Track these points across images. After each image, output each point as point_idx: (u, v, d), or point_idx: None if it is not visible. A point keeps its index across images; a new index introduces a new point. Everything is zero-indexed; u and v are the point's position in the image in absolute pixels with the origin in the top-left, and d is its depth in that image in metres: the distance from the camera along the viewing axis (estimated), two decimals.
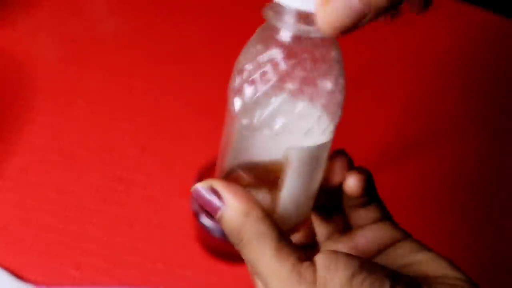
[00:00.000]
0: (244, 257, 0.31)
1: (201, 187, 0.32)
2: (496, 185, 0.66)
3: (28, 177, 0.63)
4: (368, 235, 0.35)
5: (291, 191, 0.32)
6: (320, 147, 0.31)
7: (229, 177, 0.33)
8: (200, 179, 0.56)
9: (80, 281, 0.57)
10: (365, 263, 0.29)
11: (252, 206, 0.30)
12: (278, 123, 0.30)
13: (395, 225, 0.36)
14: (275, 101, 0.29)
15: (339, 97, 0.30)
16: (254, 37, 0.30)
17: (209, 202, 0.31)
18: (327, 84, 0.29)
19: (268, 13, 0.29)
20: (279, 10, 0.28)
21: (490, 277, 0.60)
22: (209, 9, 0.78)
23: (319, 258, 0.29)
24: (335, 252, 0.29)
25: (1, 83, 0.69)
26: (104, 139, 0.66)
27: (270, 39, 0.29)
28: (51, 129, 0.66)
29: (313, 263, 0.29)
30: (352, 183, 0.33)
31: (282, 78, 0.29)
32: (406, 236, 0.35)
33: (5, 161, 0.63)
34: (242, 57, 0.30)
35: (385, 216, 0.35)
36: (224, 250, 0.58)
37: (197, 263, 0.59)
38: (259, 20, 0.30)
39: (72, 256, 0.58)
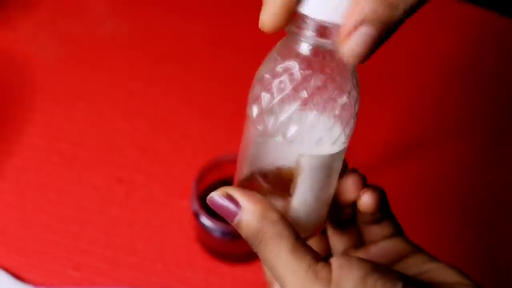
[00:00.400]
0: (262, 258, 0.32)
1: (217, 195, 0.33)
2: (498, 185, 0.66)
3: (27, 177, 0.63)
4: (381, 249, 0.36)
5: (302, 198, 0.33)
6: (331, 156, 0.32)
7: (247, 181, 0.34)
8: (200, 179, 0.56)
9: (80, 282, 0.57)
10: (377, 265, 0.31)
11: (268, 209, 0.32)
12: (291, 131, 0.31)
13: (407, 240, 0.37)
14: (289, 110, 0.31)
15: (351, 110, 0.32)
16: (275, 48, 0.32)
17: (225, 209, 0.32)
18: (340, 96, 0.31)
19: (290, 27, 0.30)
20: (299, 24, 0.30)
21: (491, 277, 0.60)
22: (208, 10, 0.78)
23: (334, 260, 0.31)
24: (349, 255, 0.31)
25: (1, 83, 0.69)
26: (103, 140, 0.66)
27: (290, 50, 0.31)
28: (50, 129, 0.66)
29: (328, 264, 0.31)
30: (366, 201, 0.34)
31: (297, 88, 0.30)
32: (418, 249, 0.36)
33: (5, 161, 0.63)
34: (262, 67, 0.32)
35: (398, 232, 0.37)
36: (224, 250, 0.58)
37: (197, 264, 0.59)
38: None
39: (71, 257, 0.58)
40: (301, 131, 0.31)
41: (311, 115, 0.31)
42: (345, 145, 0.33)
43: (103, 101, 0.69)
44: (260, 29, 0.82)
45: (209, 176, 0.57)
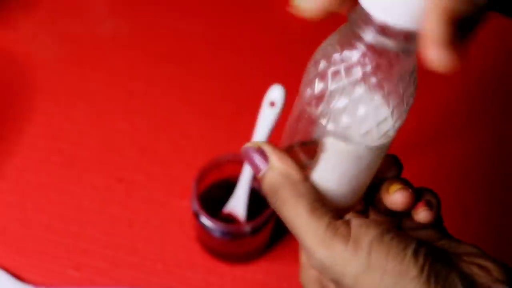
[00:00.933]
0: (280, 215, 0.33)
1: (251, 147, 0.34)
2: (498, 185, 0.66)
3: (27, 177, 0.63)
4: (417, 235, 0.36)
5: (319, 177, 0.34)
6: (357, 149, 0.32)
7: (288, 151, 0.35)
8: (200, 179, 0.56)
9: (80, 282, 0.57)
10: (394, 228, 0.33)
11: (293, 170, 0.33)
12: (342, 121, 0.31)
13: (444, 230, 0.38)
14: (341, 101, 0.31)
15: (387, 110, 0.31)
16: (335, 34, 0.32)
17: (255, 161, 0.34)
18: (381, 95, 0.31)
19: (353, 16, 0.30)
20: (363, 17, 0.29)
21: None
22: (209, 10, 0.78)
23: (353, 219, 0.32)
24: (367, 218, 0.33)
25: (1, 83, 0.69)
26: (104, 139, 0.66)
27: (349, 41, 0.30)
28: (50, 129, 0.66)
29: (347, 221, 0.32)
30: (422, 217, 0.35)
31: (352, 81, 0.31)
32: (451, 237, 0.37)
33: (5, 161, 0.63)
34: (319, 51, 0.32)
35: (438, 223, 0.38)
36: (224, 250, 0.58)
37: (197, 264, 0.59)
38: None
39: (71, 257, 0.58)
40: (352, 122, 0.31)
41: (362, 109, 0.31)
42: (377, 143, 0.33)
43: (103, 101, 0.69)
44: (259, 30, 0.82)
45: (209, 176, 0.57)
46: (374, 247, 0.30)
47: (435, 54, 0.26)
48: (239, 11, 0.77)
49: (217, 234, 0.54)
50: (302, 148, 0.34)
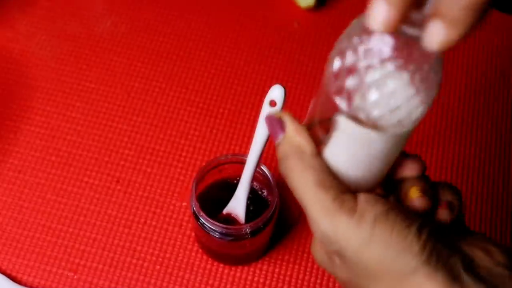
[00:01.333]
0: (289, 185, 0.34)
1: (274, 116, 0.36)
2: (500, 186, 0.66)
3: (24, 177, 0.62)
4: None
5: (330, 154, 0.34)
6: (368, 133, 0.32)
7: (309, 125, 0.36)
8: (199, 179, 0.55)
9: (77, 284, 0.56)
10: (401, 206, 0.33)
11: (306, 143, 0.34)
12: (351, 102, 0.32)
13: (463, 225, 0.37)
14: (354, 83, 0.31)
15: (401, 98, 0.31)
16: (359, 20, 0.32)
17: (274, 129, 0.36)
18: (397, 83, 0.31)
19: None
20: None
21: None
22: (208, 9, 0.77)
23: (361, 194, 0.33)
24: (375, 195, 0.33)
25: None
26: (102, 140, 0.65)
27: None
28: (48, 129, 0.66)
29: (355, 196, 0.33)
30: (444, 215, 0.36)
31: (367, 64, 0.31)
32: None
33: (2, 161, 0.63)
34: (345, 34, 0.33)
35: (458, 219, 0.37)
36: (223, 251, 0.57)
37: (196, 265, 0.58)
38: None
39: (69, 258, 0.58)
40: (364, 105, 0.31)
41: (375, 94, 0.31)
42: (392, 130, 0.32)
43: (101, 100, 0.68)
44: (259, 29, 0.82)
45: (209, 176, 0.57)
46: (379, 223, 0.31)
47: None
48: (239, 10, 0.76)
49: (216, 235, 0.53)
50: (322, 124, 0.35)
